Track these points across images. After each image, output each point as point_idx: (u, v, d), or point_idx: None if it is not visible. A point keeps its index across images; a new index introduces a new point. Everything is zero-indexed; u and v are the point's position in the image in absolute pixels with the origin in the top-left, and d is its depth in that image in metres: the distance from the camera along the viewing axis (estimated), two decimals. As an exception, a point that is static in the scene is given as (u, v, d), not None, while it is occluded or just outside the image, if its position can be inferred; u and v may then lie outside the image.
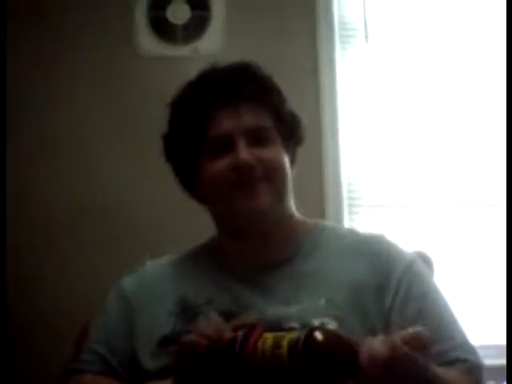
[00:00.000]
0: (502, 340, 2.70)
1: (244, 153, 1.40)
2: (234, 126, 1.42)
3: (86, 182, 2.92)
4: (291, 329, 1.17)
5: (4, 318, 2.55)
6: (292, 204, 1.51)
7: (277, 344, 1.12)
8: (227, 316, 1.32)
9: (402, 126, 3.08)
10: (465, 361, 1.35)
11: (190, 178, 1.50)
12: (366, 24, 3.07)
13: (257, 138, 1.43)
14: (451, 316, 1.43)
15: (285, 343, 1.11)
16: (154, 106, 2.77)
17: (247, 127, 1.42)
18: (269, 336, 1.14)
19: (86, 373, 1.47)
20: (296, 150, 1.53)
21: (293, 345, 1.11)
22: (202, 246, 1.57)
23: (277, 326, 1.22)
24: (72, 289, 2.80)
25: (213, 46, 2.96)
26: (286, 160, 1.47)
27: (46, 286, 2.82)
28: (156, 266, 1.56)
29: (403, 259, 1.46)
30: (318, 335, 1.10)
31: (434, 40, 3.12)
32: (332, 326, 1.31)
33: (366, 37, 3.07)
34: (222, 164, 1.42)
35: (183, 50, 2.98)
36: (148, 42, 3.00)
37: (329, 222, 1.78)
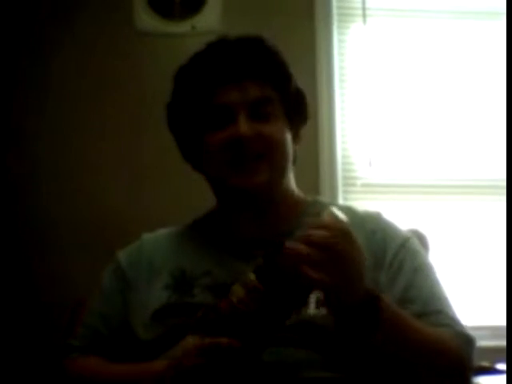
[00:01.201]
0: (497, 321, 2.74)
1: (244, 126, 1.39)
2: (236, 98, 1.41)
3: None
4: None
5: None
6: (292, 181, 1.51)
7: (246, 285, 1.17)
8: (223, 289, 1.32)
9: (398, 106, 3.09)
10: (452, 328, 1.35)
11: (193, 149, 1.50)
12: (364, 5, 3.06)
13: (260, 112, 1.42)
14: (442, 292, 1.42)
15: (252, 277, 1.17)
16: (152, 82, 2.86)
17: (250, 99, 1.41)
18: (234, 287, 1.18)
19: (75, 352, 1.47)
20: (300, 128, 1.52)
21: (256, 270, 1.17)
22: (199, 219, 1.56)
23: None
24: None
25: (210, 23, 2.94)
26: (288, 137, 1.46)
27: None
28: (153, 239, 1.55)
29: (398, 237, 1.46)
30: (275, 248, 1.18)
31: (433, 20, 3.12)
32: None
33: (365, 19, 3.06)
34: (222, 137, 1.41)
35: (181, 27, 2.97)
36: (146, 19, 2.98)
37: (326, 200, 1.78)
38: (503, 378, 2.04)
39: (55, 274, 2.79)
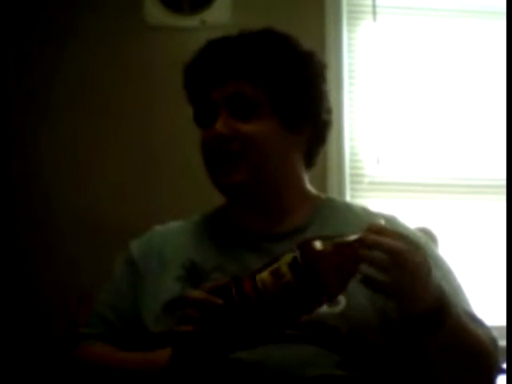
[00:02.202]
0: (494, 321, 2.73)
1: (220, 124, 1.41)
2: (220, 94, 1.44)
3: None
4: (270, 262, 1.16)
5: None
6: (301, 176, 1.50)
7: (276, 274, 1.13)
8: None
9: (407, 104, 3.08)
10: (482, 330, 1.37)
11: None
12: (374, 3, 3.05)
13: (240, 110, 1.42)
14: (466, 296, 1.45)
15: (284, 268, 1.12)
16: (162, 77, 2.86)
17: (228, 94, 1.43)
18: (263, 274, 1.14)
19: (86, 340, 1.47)
20: (302, 126, 1.48)
21: (292, 263, 1.12)
22: (211, 213, 1.57)
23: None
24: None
25: (220, 18, 2.94)
26: (274, 136, 1.44)
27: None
28: (164, 231, 1.56)
29: (421, 241, 1.44)
30: (315, 244, 1.14)
31: (442, 18, 3.11)
32: (341, 300, 1.32)
33: (375, 16, 3.06)
34: (205, 134, 1.45)
35: (191, 21, 2.97)
36: (156, 13, 2.98)
37: (340, 198, 1.78)
38: (502, 378, 2.05)
39: (59, 267, 2.79)
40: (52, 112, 2.90)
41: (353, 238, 1.16)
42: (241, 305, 1.13)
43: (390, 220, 1.49)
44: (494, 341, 1.37)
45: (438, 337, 1.22)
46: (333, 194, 2.82)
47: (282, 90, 1.44)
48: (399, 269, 1.14)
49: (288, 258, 1.14)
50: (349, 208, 1.55)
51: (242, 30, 1.48)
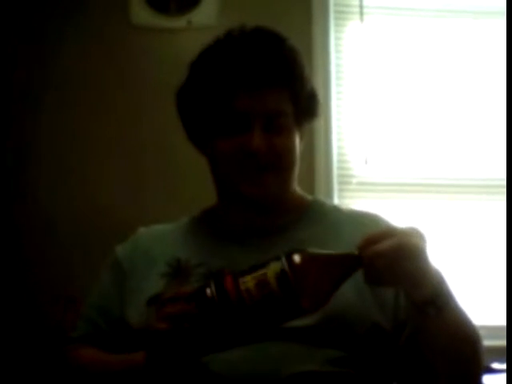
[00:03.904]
0: (491, 321, 2.74)
1: (258, 140, 1.38)
2: (253, 107, 1.39)
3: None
4: (256, 267, 1.15)
5: None
6: (295, 182, 1.51)
7: (261, 282, 1.12)
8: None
9: (395, 104, 3.08)
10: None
11: (202, 142, 1.50)
12: (361, 3, 3.05)
13: (274, 125, 1.41)
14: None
15: (271, 278, 1.11)
16: (148, 77, 2.85)
17: (267, 111, 1.40)
18: (247, 279, 1.13)
19: (75, 343, 1.48)
20: (308, 124, 1.51)
21: (281, 276, 1.11)
22: (199, 214, 1.57)
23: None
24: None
25: (207, 18, 2.93)
26: (298, 145, 1.45)
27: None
28: (149, 232, 1.57)
29: None
30: (304, 256, 1.13)
31: (430, 19, 3.12)
32: None
33: (362, 17, 3.06)
34: (235, 145, 1.41)
35: (177, 22, 2.96)
36: (142, 14, 2.97)
37: (326, 199, 1.79)
38: (500, 377, 2.05)
39: (50, 271, 2.78)
40: (44, 114, 2.89)
41: (344, 252, 1.17)
42: (220, 305, 1.12)
43: (375, 219, 1.50)
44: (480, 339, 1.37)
45: (440, 321, 1.23)
46: (321, 194, 2.82)
47: (302, 94, 1.46)
48: (404, 262, 1.16)
49: (276, 267, 1.13)
50: (336, 209, 1.56)
51: (242, 29, 1.44)
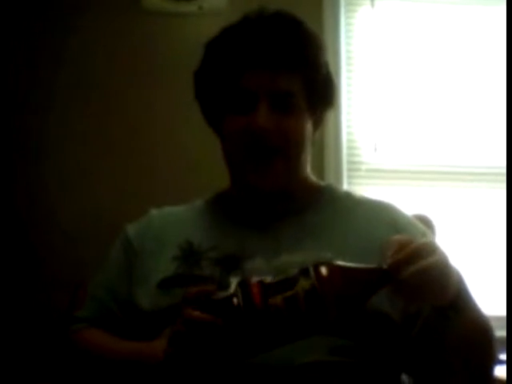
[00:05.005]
0: (492, 311, 2.73)
1: (263, 117, 1.36)
2: (262, 85, 1.38)
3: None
4: (284, 283, 1.13)
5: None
6: (308, 168, 1.49)
7: (290, 301, 1.10)
8: (231, 260, 1.33)
9: (405, 91, 3.07)
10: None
11: (216, 124, 1.48)
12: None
13: (282, 103, 1.39)
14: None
15: (300, 292, 1.10)
16: (159, 62, 2.85)
17: (276, 90, 1.38)
18: (276, 299, 1.11)
19: (82, 323, 1.46)
20: (324, 113, 1.48)
21: (309, 292, 1.10)
22: (212, 197, 1.55)
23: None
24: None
25: (217, 3, 2.92)
26: (309, 128, 1.43)
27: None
28: (161, 213, 1.54)
29: (419, 229, 1.45)
30: (327, 269, 1.11)
31: (440, 4, 3.10)
32: None
33: (373, 2, 3.05)
34: (241, 123, 1.39)
35: (188, 7, 2.95)
36: (153, -2, 2.97)
37: (339, 186, 1.78)
38: (501, 368, 2.05)
39: (58, 256, 2.80)
40: (55, 105, 2.90)
41: (373, 266, 1.15)
42: (246, 318, 1.10)
43: (389, 207, 1.48)
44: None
45: (458, 321, 1.23)
46: (330, 181, 2.81)
47: (316, 79, 1.43)
48: (433, 282, 1.16)
49: (305, 284, 1.11)
50: (348, 195, 1.54)
51: (260, 12, 1.42)
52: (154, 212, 1.55)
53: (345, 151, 3.01)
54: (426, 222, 1.59)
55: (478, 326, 1.30)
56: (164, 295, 1.35)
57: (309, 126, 1.43)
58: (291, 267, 1.20)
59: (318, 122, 1.48)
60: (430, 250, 1.17)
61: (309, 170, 1.50)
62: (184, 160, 2.87)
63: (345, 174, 2.99)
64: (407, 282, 1.13)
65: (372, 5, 3.05)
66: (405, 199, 2.92)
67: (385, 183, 3.03)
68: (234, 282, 1.14)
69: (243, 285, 1.13)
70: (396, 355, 1.35)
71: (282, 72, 1.38)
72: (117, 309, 1.44)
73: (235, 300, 1.11)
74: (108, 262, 1.51)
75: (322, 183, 1.55)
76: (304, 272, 1.13)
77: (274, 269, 1.29)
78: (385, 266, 1.14)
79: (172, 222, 1.50)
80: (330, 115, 2.95)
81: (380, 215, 1.44)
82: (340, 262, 1.14)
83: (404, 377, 1.41)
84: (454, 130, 3.07)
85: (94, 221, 2.82)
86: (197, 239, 1.42)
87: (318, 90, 1.43)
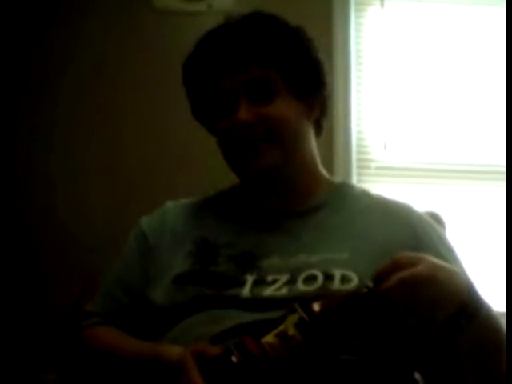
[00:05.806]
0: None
1: (243, 112, 1.38)
2: (237, 81, 1.40)
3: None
4: (271, 323, 1.15)
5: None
6: (314, 158, 1.49)
7: (283, 337, 1.12)
8: (247, 258, 1.34)
9: (414, 90, 3.08)
10: None
11: (209, 127, 1.52)
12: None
13: (260, 93, 1.40)
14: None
15: (291, 331, 1.12)
16: (169, 61, 2.85)
17: (249, 79, 1.40)
18: (268, 338, 1.12)
19: (94, 318, 1.46)
20: (316, 92, 1.48)
21: (299, 324, 1.12)
22: (228, 190, 1.56)
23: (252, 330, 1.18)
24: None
25: (227, 2, 2.94)
26: (295, 113, 1.43)
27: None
28: (176, 206, 1.54)
29: (437, 232, 1.46)
30: (316, 305, 1.13)
31: (450, 4, 3.11)
32: (353, 279, 1.30)
33: (382, 2, 3.05)
34: (227, 125, 1.42)
35: (198, 5, 2.97)
36: (163, -3, 2.98)
37: (355, 183, 1.78)
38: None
39: (66, 248, 2.82)
40: (64, 104, 2.92)
41: (355, 290, 1.18)
42: (249, 368, 1.11)
43: (407, 209, 1.49)
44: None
45: (471, 328, 1.22)
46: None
47: (293, 64, 1.43)
48: (419, 292, 1.16)
49: (293, 319, 1.13)
50: (366, 194, 1.54)
51: (230, 17, 1.46)
52: (169, 204, 1.55)
53: (354, 149, 3.01)
54: (436, 219, 1.59)
55: (490, 330, 1.28)
56: (179, 291, 1.35)
57: (296, 108, 1.43)
58: (307, 268, 1.24)
59: (314, 103, 1.47)
60: (412, 261, 1.17)
61: (318, 162, 1.51)
62: (194, 159, 2.89)
63: (354, 171, 3.00)
64: (393, 294, 1.14)
65: (382, 5, 3.06)
66: (414, 197, 2.92)
67: (394, 181, 3.03)
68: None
69: (236, 344, 1.14)
70: (409, 354, 1.34)
71: (256, 68, 1.40)
72: (130, 303, 1.44)
73: (234, 358, 1.12)
74: (121, 255, 1.51)
75: (337, 179, 1.55)
76: (290, 311, 1.15)
77: (291, 268, 1.31)
78: (370, 285, 1.16)
79: (188, 216, 1.50)
80: (339, 113, 2.96)
81: (398, 217, 1.44)
82: (325, 296, 1.17)
83: (417, 375, 1.40)
84: (463, 127, 3.07)
85: (100, 219, 2.84)
86: (212, 235, 1.43)
87: (297, 71, 1.44)
